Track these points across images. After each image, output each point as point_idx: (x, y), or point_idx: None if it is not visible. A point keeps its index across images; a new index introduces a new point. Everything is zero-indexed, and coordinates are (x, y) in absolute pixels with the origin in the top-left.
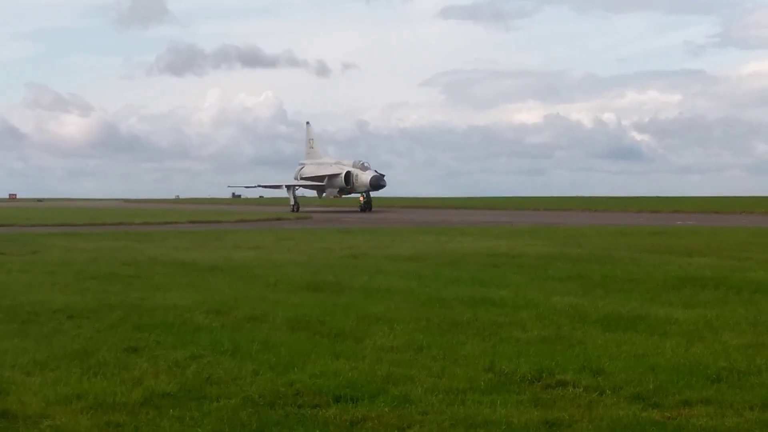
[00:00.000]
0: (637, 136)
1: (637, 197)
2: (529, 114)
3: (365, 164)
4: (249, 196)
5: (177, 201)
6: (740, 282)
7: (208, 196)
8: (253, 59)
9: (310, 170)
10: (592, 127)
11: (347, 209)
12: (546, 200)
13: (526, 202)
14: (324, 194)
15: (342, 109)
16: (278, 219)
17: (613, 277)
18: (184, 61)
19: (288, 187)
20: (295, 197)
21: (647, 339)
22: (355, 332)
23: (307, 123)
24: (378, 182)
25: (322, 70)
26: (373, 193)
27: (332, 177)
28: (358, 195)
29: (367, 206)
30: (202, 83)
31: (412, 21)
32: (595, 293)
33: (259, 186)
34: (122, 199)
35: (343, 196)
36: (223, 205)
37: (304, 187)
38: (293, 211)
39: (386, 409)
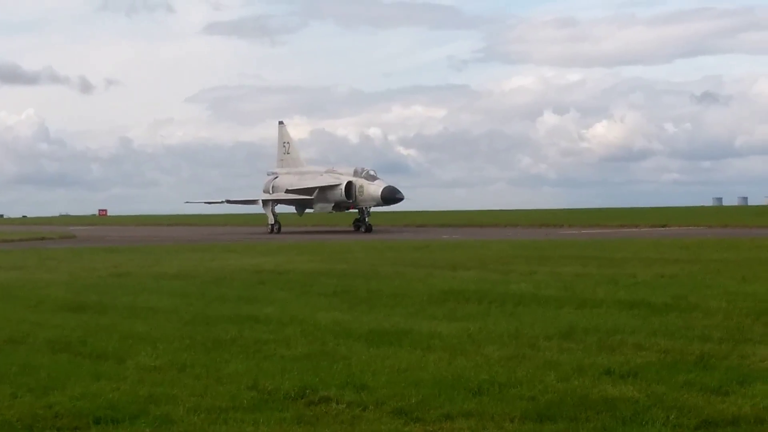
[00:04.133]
0: (404, 151)
1: (404, 212)
2: (295, 130)
3: (371, 172)
4: (16, 215)
5: None
6: (503, 295)
7: None
8: (12, 76)
9: (289, 181)
10: (359, 142)
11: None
12: (313, 216)
13: (294, 217)
14: (312, 210)
15: (106, 125)
16: (42, 239)
17: (378, 292)
18: None
19: (264, 202)
20: (274, 214)
21: (411, 353)
22: (118, 352)
23: (280, 123)
24: (393, 195)
25: (85, 86)
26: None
27: (326, 189)
28: (359, 210)
29: (365, 224)
30: None
31: (177, 37)
32: (360, 308)
33: (227, 201)
34: None
35: (336, 211)
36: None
37: (282, 202)
38: (273, 231)
39: (147, 430)
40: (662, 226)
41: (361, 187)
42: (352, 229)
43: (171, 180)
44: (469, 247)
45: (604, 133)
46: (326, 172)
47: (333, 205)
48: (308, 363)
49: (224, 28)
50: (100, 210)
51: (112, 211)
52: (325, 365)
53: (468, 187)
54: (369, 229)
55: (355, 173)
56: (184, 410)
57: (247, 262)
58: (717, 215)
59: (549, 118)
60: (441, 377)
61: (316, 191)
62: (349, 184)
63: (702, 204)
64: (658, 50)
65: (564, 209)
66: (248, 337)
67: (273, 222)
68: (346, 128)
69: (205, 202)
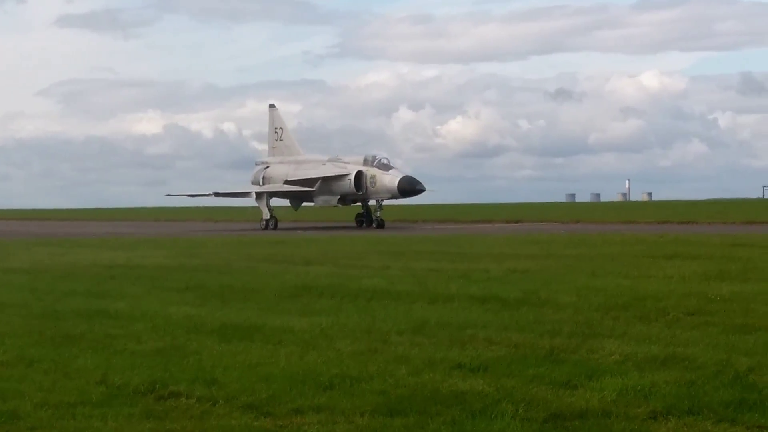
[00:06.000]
0: (258, 146)
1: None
2: (149, 124)
3: (384, 161)
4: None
5: None
6: (356, 289)
7: None
8: None
9: (284, 171)
10: (213, 137)
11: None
12: (167, 210)
13: (146, 212)
14: (312, 204)
15: None
16: None
17: (231, 287)
18: None
19: (259, 195)
20: (270, 208)
21: (262, 348)
22: None
23: (271, 106)
24: (412, 186)
25: None
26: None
27: (330, 180)
28: (363, 204)
29: (377, 219)
30: None
31: (27, 29)
32: (213, 303)
33: (215, 194)
34: None
35: (341, 205)
36: None
37: (277, 195)
38: (267, 227)
39: None
40: (516, 222)
41: (373, 177)
42: (355, 225)
43: (22, 174)
44: (323, 243)
45: (458, 129)
46: (329, 160)
47: (338, 198)
48: (158, 358)
49: (76, 20)
50: None
51: None
52: (175, 360)
53: None
54: (381, 225)
55: (365, 162)
56: (32, 405)
57: (98, 257)
58: (570, 211)
59: (404, 114)
60: (292, 372)
61: (319, 182)
62: (359, 174)
63: (555, 200)
64: (513, 47)
65: (417, 205)
66: (98, 332)
67: (268, 217)
68: (200, 123)
69: (189, 195)
